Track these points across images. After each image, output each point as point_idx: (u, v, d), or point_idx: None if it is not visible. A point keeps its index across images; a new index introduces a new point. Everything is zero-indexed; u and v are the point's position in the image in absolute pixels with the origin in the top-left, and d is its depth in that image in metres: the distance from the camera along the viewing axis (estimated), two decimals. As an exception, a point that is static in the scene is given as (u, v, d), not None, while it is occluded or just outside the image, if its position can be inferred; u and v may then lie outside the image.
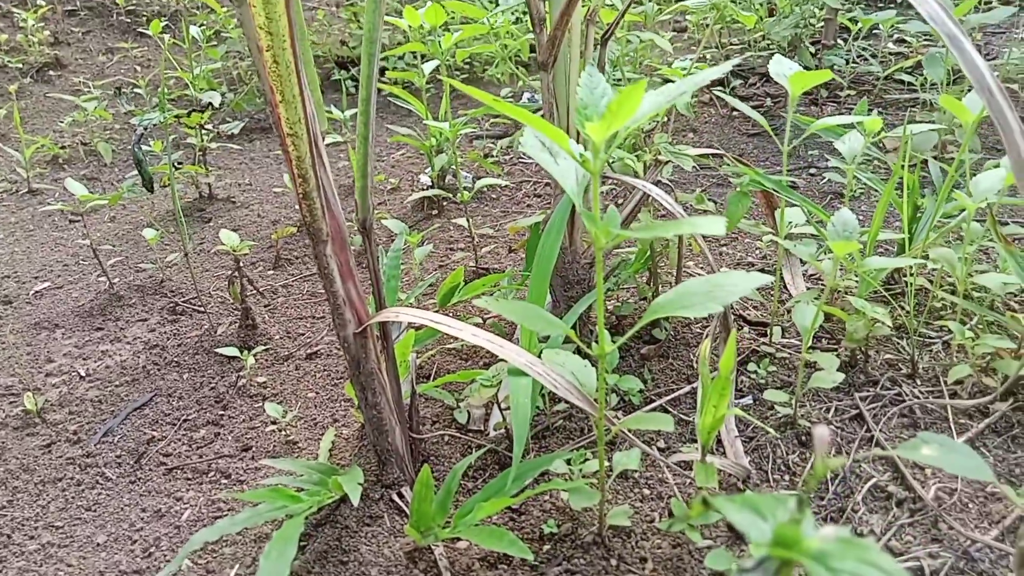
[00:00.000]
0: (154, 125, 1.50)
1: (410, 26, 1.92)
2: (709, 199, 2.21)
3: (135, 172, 1.72)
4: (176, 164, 2.27)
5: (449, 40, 1.81)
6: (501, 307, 0.93)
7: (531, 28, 1.24)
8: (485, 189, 2.51)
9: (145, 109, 3.29)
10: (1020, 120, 0.84)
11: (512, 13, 1.76)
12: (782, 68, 1.38)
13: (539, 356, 1.12)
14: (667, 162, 1.44)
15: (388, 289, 1.50)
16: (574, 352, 1.10)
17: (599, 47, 1.33)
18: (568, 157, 0.89)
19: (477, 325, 1.68)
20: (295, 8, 0.91)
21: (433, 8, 1.72)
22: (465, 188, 2.38)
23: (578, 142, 1.41)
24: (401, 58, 3.86)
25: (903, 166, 1.40)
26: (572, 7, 1.19)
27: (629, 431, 1.25)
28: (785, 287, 1.73)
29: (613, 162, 1.45)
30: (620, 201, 2.23)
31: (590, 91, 0.88)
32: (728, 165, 1.41)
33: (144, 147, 2.67)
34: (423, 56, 2.60)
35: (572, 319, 1.29)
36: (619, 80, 1.63)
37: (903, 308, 1.50)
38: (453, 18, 3.42)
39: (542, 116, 1.33)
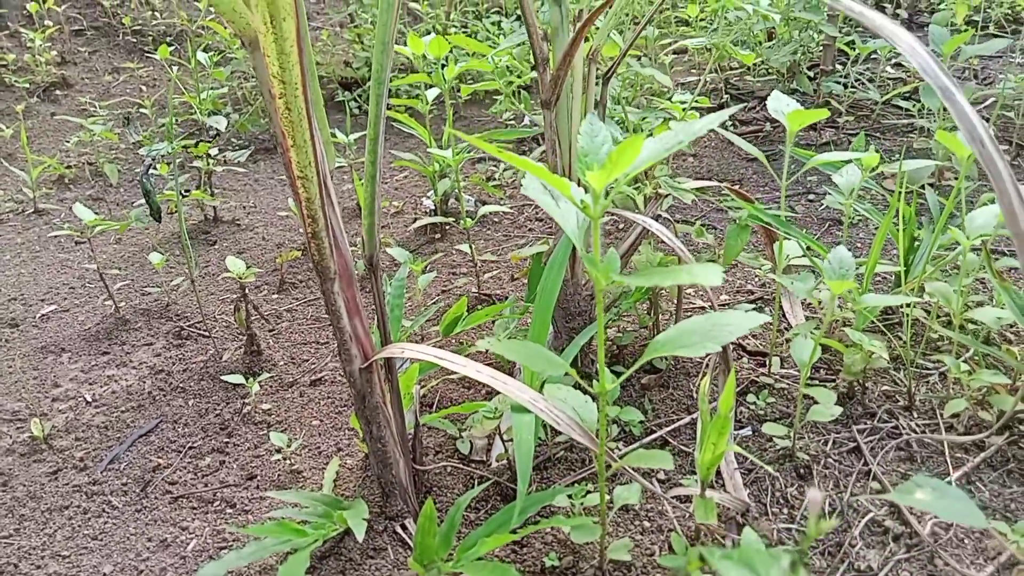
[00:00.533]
0: (162, 156, 1.53)
1: (413, 54, 1.96)
2: (709, 228, 2.24)
3: (142, 199, 1.75)
4: (184, 192, 2.30)
5: (452, 71, 1.84)
6: (502, 348, 0.95)
7: (533, 63, 1.27)
8: (488, 213, 2.54)
9: (151, 134, 3.33)
10: (1010, 167, 0.87)
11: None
12: (780, 104, 1.41)
13: (541, 390, 1.14)
14: (667, 195, 1.46)
15: (392, 319, 1.52)
16: (575, 386, 1.13)
17: (600, 85, 1.36)
18: (569, 200, 0.92)
19: (484, 353, 1.70)
20: (307, 57, 0.94)
21: (437, 40, 1.75)
22: (468, 214, 2.40)
23: (579, 184, 1.44)
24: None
25: (899, 198, 1.42)
26: (575, 49, 1.22)
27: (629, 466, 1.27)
28: (784, 317, 1.75)
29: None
30: (622, 228, 2.26)
31: (590, 139, 0.91)
32: (727, 199, 1.44)
33: (153, 172, 2.70)
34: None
35: (572, 355, 1.31)
36: (620, 119, 1.66)
37: (900, 339, 1.52)
38: (459, 47, 3.47)
39: (545, 153, 1.36)
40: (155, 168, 2.06)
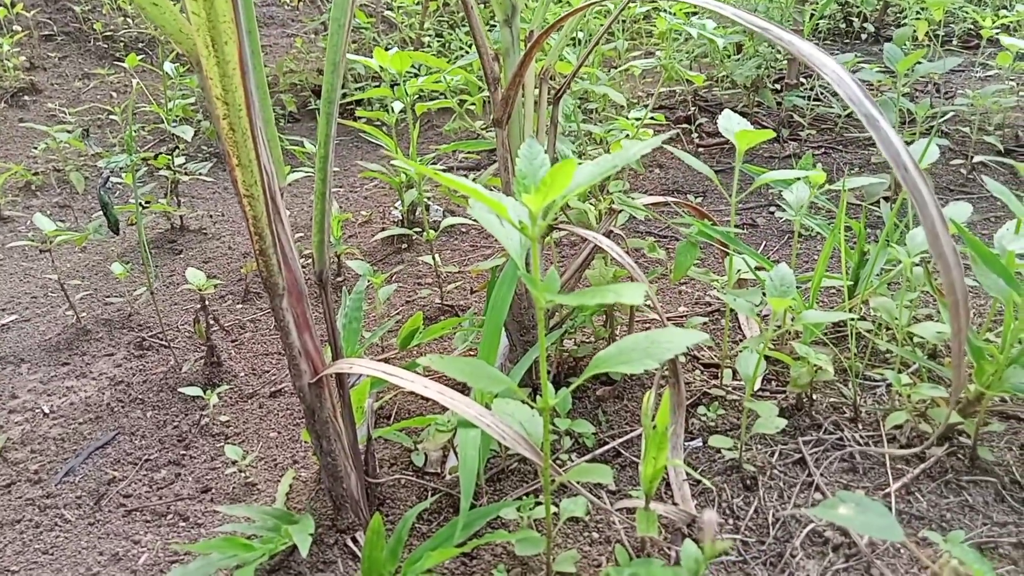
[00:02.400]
0: (121, 168, 1.53)
1: (380, 67, 1.97)
2: (669, 240, 2.27)
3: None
4: (143, 204, 2.29)
5: (414, 86, 1.86)
6: (446, 366, 0.96)
7: (486, 85, 1.29)
8: (453, 225, 2.56)
9: (121, 141, 3.31)
10: (932, 190, 0.90)
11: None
12: (730, 124, 1.44)
13: (489, 406, 1.16)
14: (620, 211, 1.49)
15: (349, 331, 1.53)
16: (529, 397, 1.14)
17: (552, 104, 1.38)
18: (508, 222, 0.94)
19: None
20: (256, 77, 0.95)
21: (398, 55, 1.77)
22: (432, 225, 2.42)
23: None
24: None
25: (843, 213, 1.46)
26: (524, 69, 1.24)
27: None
28: (739, 327, 1.78)
29: (568, 210, 1.50)
30: (580, 241, 2.28)
31: (528, 161, 0.93)
32: (682, 216, 1.46)
33: (115, 179, 2.68)
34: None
35: (523, 369, 1.33)
36: (572, 132, 1.68)
37: (849, 351, 1.56)
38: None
39: (498, 170, 1.38)
40: (114, 180, 2.05)
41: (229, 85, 0.91)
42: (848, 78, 0.91)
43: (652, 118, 1.59)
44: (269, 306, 1.41)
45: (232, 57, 0.90)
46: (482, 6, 3.14)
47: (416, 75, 1.89)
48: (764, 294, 1.58)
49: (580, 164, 0.93)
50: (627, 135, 1.75)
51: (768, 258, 2.18)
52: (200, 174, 2.51)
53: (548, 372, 1.54)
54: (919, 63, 2.19)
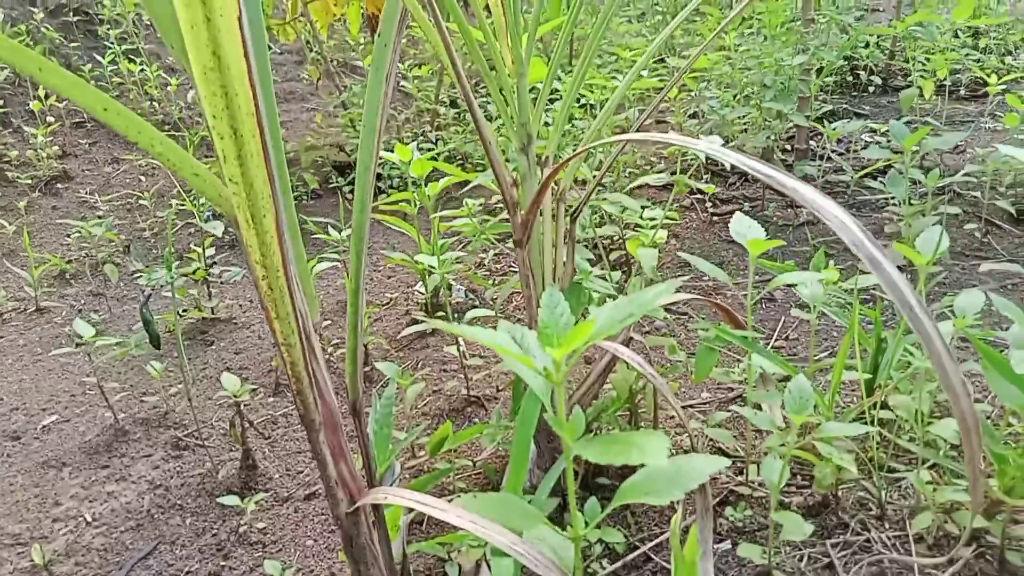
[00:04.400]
0: (160, 286, 1.61)
1: (401, 160, 2.05)
2: (682, 330, 2.31)
3: (143, 304, 1.82)
4: (180, 312, 2.38)
5: (436, 188, 1.94)
6: (480, 507, 1.00)
7: (505, 209, 1.35)
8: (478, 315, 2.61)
9: (151, 244, 3.43)
10: (937, 327, 0.93)
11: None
12: (742, 228, 1.49)
13: (521, 532, 1.19)
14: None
15: (380, 437, 1.58)
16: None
17: (569, 223, 1.44)
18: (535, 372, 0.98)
19: (472, 464, 1.75)
20: (290, 241, 1.02)
21: (419, 162, 1.85)
22: (454, 308, 2.47)
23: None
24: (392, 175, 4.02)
25: (856, 311, 1.49)
26: (542, 196, 1.30)
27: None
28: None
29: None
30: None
31: (550, 311, 0.98)
32: (703, 312, 1.50)
33: (152, 294, 2.78)
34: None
35: (549, 486, 1.37)
36: (590, 240, 1.73)
37: (876, 440, 1.57)
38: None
39: (521, 285, 1.43)
40: (152, 297, 2.14)
41: (267, 251, 0.98)
42: (849, 222, 0.95)
43: (668, 217, 1.65)
44: (307, 438, 1.46)
45: (270, 227, 0.96)
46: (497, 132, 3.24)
47: (426, 183, 1.96)
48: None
49: (599, 310, 0.98)
50: (642, 226, 1.80)
51: (787, 336, 2.21)
52: (234, 280, 2.60)
53: (576, 473, 1.57)
54: (925, 139, 2.24)
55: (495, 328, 1.00)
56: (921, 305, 0.93)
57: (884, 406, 1.65)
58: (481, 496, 1.02)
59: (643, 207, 1.68)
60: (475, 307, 2.64)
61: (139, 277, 1.83)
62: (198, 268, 2.40)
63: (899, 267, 2.34)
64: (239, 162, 0.88)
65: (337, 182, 4.07)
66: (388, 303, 2.81)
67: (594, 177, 1.39)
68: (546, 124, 2.99)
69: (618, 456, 0.85)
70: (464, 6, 3.39)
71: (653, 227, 1.61)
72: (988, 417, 1.49)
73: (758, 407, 1.51)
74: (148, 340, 1.79)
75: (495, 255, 3.03)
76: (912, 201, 2.39)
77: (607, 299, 1.61)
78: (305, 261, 1.23)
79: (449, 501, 1.71)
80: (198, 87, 0.81)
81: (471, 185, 1.96)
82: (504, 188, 1.33)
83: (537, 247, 1.40)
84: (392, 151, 1.98)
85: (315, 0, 3.76)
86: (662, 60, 4.16)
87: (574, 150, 1.61)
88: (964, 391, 0.94)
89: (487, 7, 1.35)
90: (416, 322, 2.57)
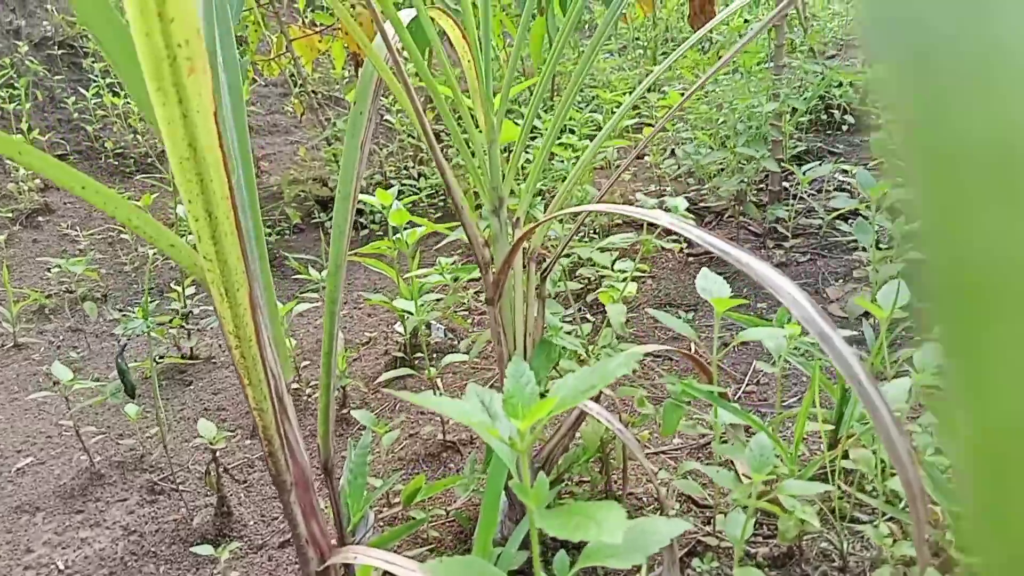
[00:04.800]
0: (137, 335, 1.63)
1: (383, 205, 2.09)
2: (653, 378, 2.35)
3: (120, 347, 1.84)
4: (157, 359, 2.39)
5: (414, 236, 1.97)
6: (445, 571, 1.03)
7: (478, 268, 1.39)
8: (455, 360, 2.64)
9: (131, 289, 3.44)
10: (884, 398, 0.98)
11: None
12: (708, 284, 1.54)
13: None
14: (609, 368, 1.57)
15: (355, 488, 1.60)
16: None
17: (539, 280, 1.48)
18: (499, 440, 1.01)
19: (446, 513, 1.77)
20: (266, 312, 1.05)
21: (399, 212, 1.88)
22: (431, 358, 2.50)
23: (525, 358, 1.55)
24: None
25: (817, 370, 1.53)
26: (513, 256, 1.34)
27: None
28: (732, 465, 1.84)
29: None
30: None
31: (515, 380, 1.01)
32: (670, 361, 1.54)
33: (127, 345, 2.79)
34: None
35: (517, 541, 1.39)
36: (560, 293, 1.77)
37: (839, 490, 1.61)
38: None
39: (492, 342, 1.47)
40: (128, 346, 2.15)
41: (240, 323, 1.01)
42: (802, 299, 1.00)
43: (638, 268, 1.69)
44: (279, 500, 1.48)
45: (243, 301, 0.99)
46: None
47: (405, 229, 2.01)
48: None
49: (562, 382, 1.01)
50: (615, 277, 1.84)
51: (758, 381, 2.26)
52: (212, 326, 2.62)
53: (540, 531, 1.60)
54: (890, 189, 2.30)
55: (472, 370, 1.03)
56: (869, 379, 0.97)
57: (846, 456, 1.69)
58: (447, 560, 1.05)
59: (613, 261, 1.73)
60: (453, 347, 2.67)
61: (116, 326, 1.84)
62: (174, 318, 2.41)
63: (866, 313, 2.40)
64: (213, 241, 0.91)
65: (319, 217, 4.10)
66: (367, 342, 2.83)
67: (564, 236, 1.43)
68: (521, 177, 3.04)
69: (575, 531, 0.88)
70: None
71: (624, 279, 1.66)
72: (944, 471, 1.53)
73: (726, 464, 1.55)
74: (124, 390, 1.80)
75: (475, 293, 3.06)
76: (880, 245, 2.46)
77: (575, 354, 1.65)
78: (279, 320, 1.26)
79: (422, 549, 1.73)
80: (174, 173, 0.84)
81: (451, 236, 2.00)
82: (476, 248, 1.37)
83: (508, 304, 1.44)
84: (373, 193, 2.02)
85: (300, 38, 3.82)
86: (643, 97, 4.24)
87: (551, 198, 1.65)
88: (910, 460, 0.98)
89: (460, 76, 1.40)
90: (395, 365, 2.60)
